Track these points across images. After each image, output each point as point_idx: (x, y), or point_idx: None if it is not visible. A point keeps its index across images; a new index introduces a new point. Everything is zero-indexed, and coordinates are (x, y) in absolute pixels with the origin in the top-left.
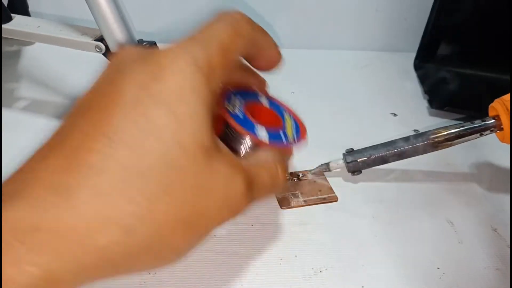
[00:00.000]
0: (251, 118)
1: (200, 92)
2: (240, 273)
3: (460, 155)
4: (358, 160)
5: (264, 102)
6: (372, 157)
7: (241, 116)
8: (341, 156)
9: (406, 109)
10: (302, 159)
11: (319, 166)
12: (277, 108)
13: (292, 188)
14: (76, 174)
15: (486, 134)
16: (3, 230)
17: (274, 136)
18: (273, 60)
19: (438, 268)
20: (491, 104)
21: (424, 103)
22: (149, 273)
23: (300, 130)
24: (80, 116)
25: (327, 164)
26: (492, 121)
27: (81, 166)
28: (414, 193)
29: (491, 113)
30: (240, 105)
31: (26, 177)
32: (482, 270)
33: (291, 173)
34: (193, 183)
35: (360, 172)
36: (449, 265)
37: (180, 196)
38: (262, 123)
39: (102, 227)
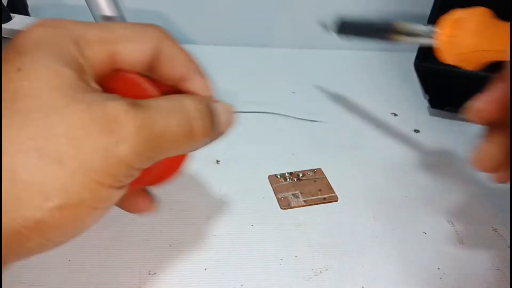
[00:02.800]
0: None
1: (53, 40)
2: (240, 273)
3: (460, 155)
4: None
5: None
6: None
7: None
8: (343, 158)
9: (406, 109)
10: (302, 159)
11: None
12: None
13: (292, 188)
14: None
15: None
16: None
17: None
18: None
19: (439, 269)
20: (441, 17)
21: (425, 103)
22: (148, 273)
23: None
24: None
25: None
26: (435, 29)
27: None
28: (415, 193)
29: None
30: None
31: None
32: (483, 270)
33: (291, 173)
34: (42, 104)
35: (347, 36)
36: (449, 265)
37: (27, 119)
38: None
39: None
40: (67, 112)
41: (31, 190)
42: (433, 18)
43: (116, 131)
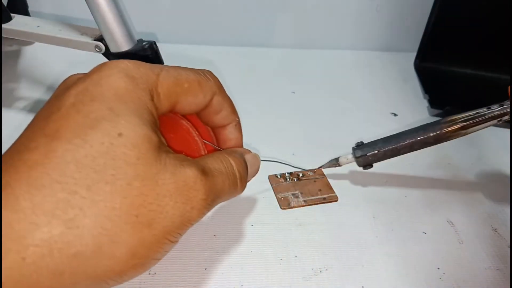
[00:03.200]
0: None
1: (136, 94)
2: (240, 273)
3: (461, 155)
4: (368, 154)
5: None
6: (383, 150)
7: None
8: (344, 153)
9: (406, 109)
10: (302, 159)
11: (329, 161)
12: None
13: (292, 188)
14: (13, 172)
15: (505, 120)
16: None
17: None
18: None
19: (439, 269)
20: (510, 86)
21: (425, 103)
22: (149, 273)
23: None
24: (26, 128)
25: (337, 159)
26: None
27: (19, 165)
28: (415, 193)
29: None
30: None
31: None
32: (483, 270)
33: (291, 173)
34: (138, 173)
35: (371, 166)
36: (449, 265)
37: (124, 185)
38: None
39: (40, 220)
40: (157, 182)
41: (122, 248)
42: (434, 18)
43: (191, 198)
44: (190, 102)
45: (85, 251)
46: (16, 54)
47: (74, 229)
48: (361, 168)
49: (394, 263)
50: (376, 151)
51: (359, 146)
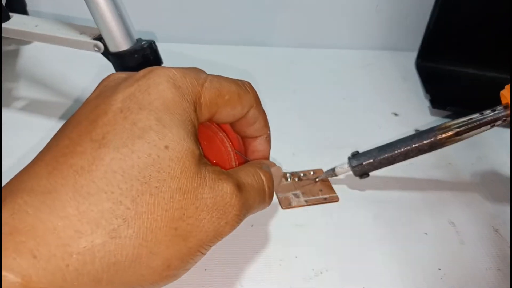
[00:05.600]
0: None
1: (182, 105)
2: (240, 274)
3: (461, 155)
4: (364, 163)
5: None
6: (378, 158)
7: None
8: (343, 158)
9: (407, 109)
10: (303, 159)
11: (325, 172)
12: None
13: (293, 188)
14: (60, 176)
15: (498, 125)
16: None
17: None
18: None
19: (439, 269)
20: (502, 92)
21: (426, 103)
22: None
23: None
24: (68, 128)
25: (333, 169)
26: (504, 110)
27: (65, 169)
28: (415, 194)
29: (503, 101)
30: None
31: (11, 186)
32: (484, 271)
33: (292, 173)
34: (180, 186)
35: (368, 175)
36: (450, 265)
37: (167, 198)
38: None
39: (84, 229)
40: (196, 196)
41: (158, 259)
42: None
43: (226, 214)
44: (228, 113)
45: (124, 261)
46: (15, 54)
47: (117, 239)
48: (358, 177)
49: (395, 263)
50: (371, 160)
51: (355, 155)
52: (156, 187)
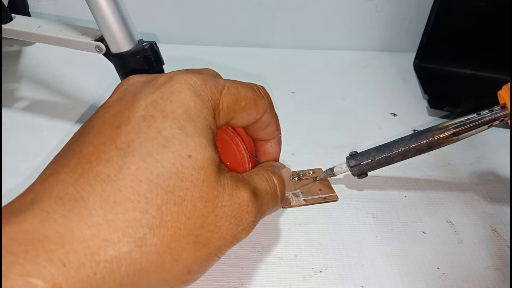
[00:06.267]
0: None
1: (203, 113)
2: (240, 273)
3: (460, 155)
4: (362, 163)
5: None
6: (376, 158)
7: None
8: (343, 158)
9: (406, 109)
10: (303, 159)
11: (324, 172)
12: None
13: (293, 187)
14: (87, 185)
15: (495, 125)
16: (11, 242)
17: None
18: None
19: (438, 268)
20: (499, 92)
21: (424, 103)
22: None
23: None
24: (91, 133)
25: (331, 169)
26: (501, 110)
27: (92, 177)
28: (414, 193)
29: (501, 101)
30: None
31: (36, 191)
32: (482, 270)
33: (292, 173)
34: (202, 194)
35: (366, 175)
36: (449, 265)
37: (190, 206)
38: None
39: (112, 237)
40: (216, 204)
41: (180, 265)
42: (433, 19)
43: (243, 220)
44: (244, 118)
45: (149, 268)
46: (17, 55)
47: (143, 247)
48: (356, 177)
49: (393, 262)
50: (369, 160)
51: (353, 155)
52: (180, 196)
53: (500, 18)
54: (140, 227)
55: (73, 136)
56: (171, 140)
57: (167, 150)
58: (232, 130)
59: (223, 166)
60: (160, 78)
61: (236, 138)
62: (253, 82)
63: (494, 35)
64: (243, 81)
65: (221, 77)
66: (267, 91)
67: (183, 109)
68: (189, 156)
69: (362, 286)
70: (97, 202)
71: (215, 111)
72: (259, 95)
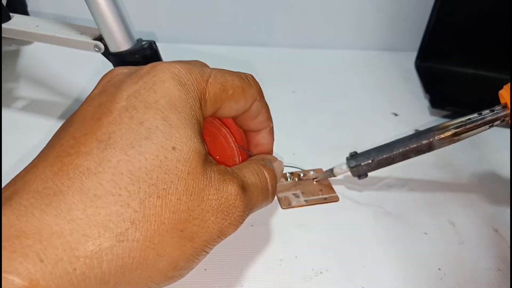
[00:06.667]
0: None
1: (188, 103)
2: (240, 274)
3: (461, 155)
4: (362, 164)
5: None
6: (376, 159)
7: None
8: (343, 158)
9: (407, 109)
10: (303, 159)
11: (324, 172)
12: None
13: (293, 188)
14: (65, 178)
15: (496, 125)
16: None
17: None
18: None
19: (439, 269)
20: (500, 92)
21: (425, 103)
22: None
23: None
24: (72, 126)
25: (331, 170)
26: (502, 110)
27: (71, 170)
28: (415, 194)
29: (502, 101)
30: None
31: (15, 186)
32: (484, 271)
33: (292, 173)
34: (187, 188)
35: (366, 175)
36: (450, 266)
37: (174, 200)
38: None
39: (92, 232)
40: (203, 198)
41: (165, 261)
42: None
43: (230, 215)
44: (231, 107)
45: (131, 263)
46: (15, 54)
47: (125, 242)
48: (356, 178)
49: (394, 263)
50: (370, 161)
51: (353, 156)
52: (164, 189)
53: (501, 17)
54: (121, 222)
55: (57, 130)
56: (154, 131)
57: (149, 141)
58: (220, 122)
59: (210, 159)
60: (143, 68)
61: (224, 130)
62: (243, 72)
63: (495, 34)
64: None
65: (208, 66)
66: (257, 80)
67: (167, 99)
68: (173, 148)
69: (363, 287)
70: (77, 196)
71: (201, 101)
72: (248, 83)
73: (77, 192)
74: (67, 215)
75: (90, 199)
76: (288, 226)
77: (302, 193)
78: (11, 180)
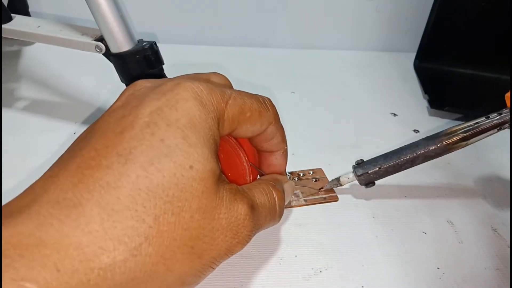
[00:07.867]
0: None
1: (207, 123)
2: (240, 273)
3: (460, 155)
4: (369, 172)
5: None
6: (384, 166)
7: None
8: (343, 158)
9: (406, 109)
10: (303, 159)
11: (330, 182)
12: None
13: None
14: (85, 191)
15: (505, 129)
16: (7, 245)
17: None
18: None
19: (438, 268)
20: (507, 94)
21: (424, 103)
22: None
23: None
24: (93, 137)
25: (338, 179)
26: (510, 113)
27: (92, 183)
28: (415, 193)
29: (508, 104)
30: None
31: (35, 194)
32: (482, 270)
33: (291, 173)
34: (200, 206)
35: (374, 184)
36: (449, 265)
37: (187, 218)
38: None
39: (107, 245)
40: (214, 216)
41: (174, 276)
42: (433, 18)
43: (238, 234)
44: (247, 129)
45: (142, 277)
46: (17, 55)
47: (138, 256)
48: (363, 186)
49: (394, 263)
50: (377, 168)
51: (359, 164)
52: (179, 206)
53: (500, 18)
54: (136, 236)
55: (77, 138)
56: (174, 149)
57: (169, 159)
58: (235, 140)
59: (223, 177)
60: (167, 84)
61: (238, 149)
62: (260, 94)
63: (494, 35)
64: (242, 80)
65: (228, 85)
66: (273, 102)
67: (188, 118)
68: (191, 167)
69: (363, 287)
70: (95, 209)
71: (219, 121)
72: (265, 107)
73: (96, 205)
74: (85, 228)
75: (107, 213)
76: (288, 225)
77: (302, 192)
78: (29, 187)
